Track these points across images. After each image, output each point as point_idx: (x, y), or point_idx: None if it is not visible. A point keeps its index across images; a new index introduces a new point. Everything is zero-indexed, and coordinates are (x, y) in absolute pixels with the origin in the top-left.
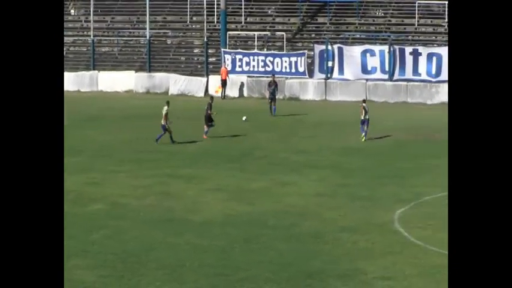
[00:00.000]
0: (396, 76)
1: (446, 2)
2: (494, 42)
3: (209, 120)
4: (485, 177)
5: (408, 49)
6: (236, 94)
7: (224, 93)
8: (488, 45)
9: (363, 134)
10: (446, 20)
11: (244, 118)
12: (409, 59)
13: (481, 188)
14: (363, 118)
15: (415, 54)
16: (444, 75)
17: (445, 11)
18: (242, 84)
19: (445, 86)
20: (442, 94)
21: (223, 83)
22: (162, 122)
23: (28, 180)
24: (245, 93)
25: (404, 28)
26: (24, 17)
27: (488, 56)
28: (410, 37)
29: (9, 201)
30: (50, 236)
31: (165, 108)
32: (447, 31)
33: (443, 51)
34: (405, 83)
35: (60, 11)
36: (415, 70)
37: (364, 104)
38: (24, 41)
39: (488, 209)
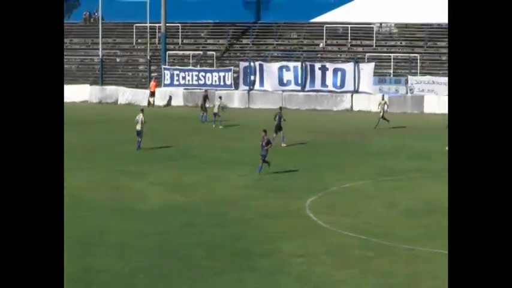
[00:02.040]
0: (307, 87)
1: (350, 26)
2: (494, 43)
3: (279, 128)
4: (484, 177)
5: (317, 65)
6: (177, 103)
7: (153, 103)
8: (487, 46)
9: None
10: (349, 40)
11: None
12: (318, 73)
13: (480, 189)
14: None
15: (323, 70)
16: (347, 86)
17: (347, 33)
18: (178, 95)
19: (348, 96)
20: (345, 102)
21: (152, 94)
22: (139, 127)
23: (29, 181)
24: (182, 103)
25: (314, 48)
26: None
27: (488, 57)
28: (319, 55)
29: (10, 201)
30: (50, 235)
31: (141, 116)
32: (349, 50)
33: (347, 66)
34: (315, 93)
35: (60, 13)
36: (323, 82)
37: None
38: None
39: (488, 209)
